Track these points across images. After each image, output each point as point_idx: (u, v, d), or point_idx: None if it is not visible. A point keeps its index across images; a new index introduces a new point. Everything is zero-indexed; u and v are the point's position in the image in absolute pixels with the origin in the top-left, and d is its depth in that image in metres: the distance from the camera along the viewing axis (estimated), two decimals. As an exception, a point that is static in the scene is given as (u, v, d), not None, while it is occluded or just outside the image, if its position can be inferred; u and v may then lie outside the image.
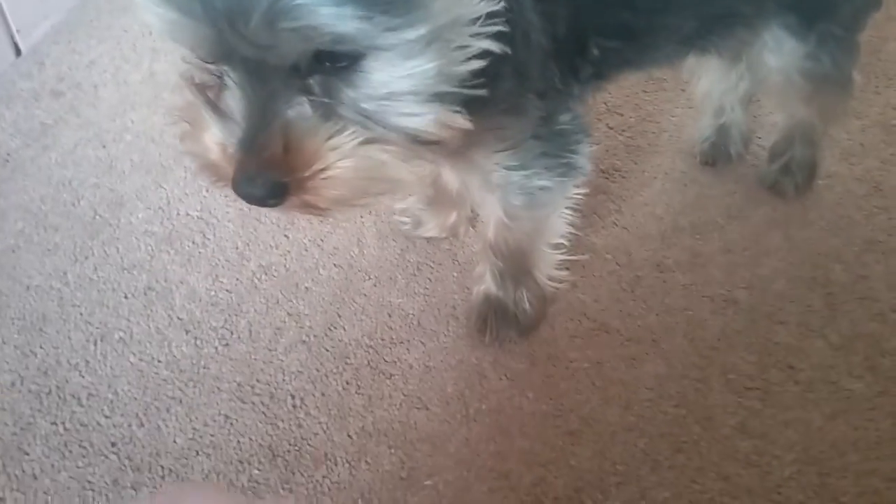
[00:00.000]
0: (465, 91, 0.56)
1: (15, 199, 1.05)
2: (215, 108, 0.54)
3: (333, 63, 0.51)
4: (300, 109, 0.53)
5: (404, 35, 0.50)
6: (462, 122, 0.57)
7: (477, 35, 0.55)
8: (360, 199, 0.58)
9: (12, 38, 1.24)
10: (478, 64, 0.55)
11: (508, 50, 0.57)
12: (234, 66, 0.52)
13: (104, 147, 1.11)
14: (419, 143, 0.56)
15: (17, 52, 1.25)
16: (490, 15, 0.54)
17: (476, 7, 0.54)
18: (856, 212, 1.01)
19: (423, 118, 0.55)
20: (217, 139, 0.55)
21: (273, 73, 0.51)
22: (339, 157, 0.53)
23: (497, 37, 0.56)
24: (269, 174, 0.53)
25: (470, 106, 0.58)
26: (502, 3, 0.55)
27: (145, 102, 1.16)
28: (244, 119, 0.53)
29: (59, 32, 1.27)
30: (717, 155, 1.06)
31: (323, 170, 0.54)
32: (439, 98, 0.55)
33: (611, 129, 1.11)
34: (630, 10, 0.70)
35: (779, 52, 0.83)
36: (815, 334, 0.89)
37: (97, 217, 1.03)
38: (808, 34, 0.81)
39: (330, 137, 0.53)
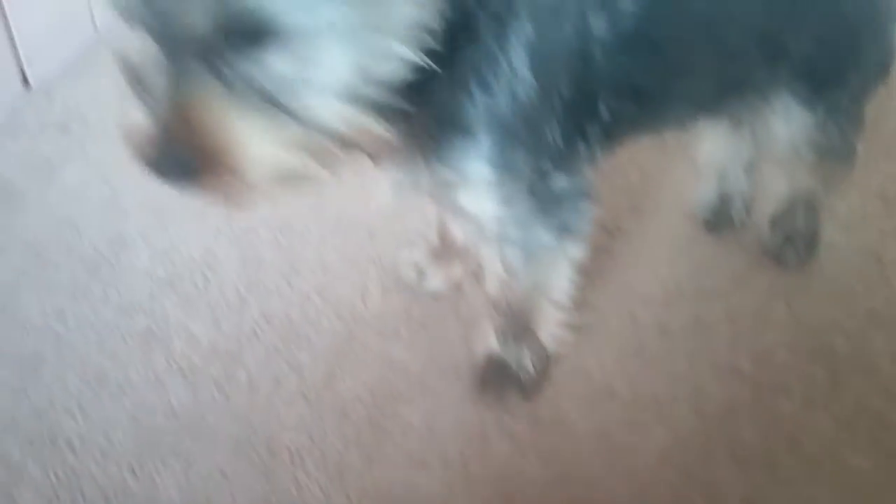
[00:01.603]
0: (393, 102, 0.56)
1: (16, 233, 1.04)
2: (141, 84, 0.54)
3: (243, 41, 0.51)
4: (212, 89, 0.52)
5: (319, 16, 0.50)
6: (382, 131, 0.56)
7: (406, 42, 0.54)
8: (269, 184, 0.56)
9: (22, 70, 1.24)
10: (406, 74, 0.55)
11: (489, 98, 0.58)
12: (154, 40, 0.52)
13: (108, 185, 1.10)
14: (332, 139, 0.55)
15: (27, 84, 1.25)
16: (428, 30, 0.54)
17: (408, 11, 0.53)
18: (857, 283, 1.01)
19: (333, 114, 0.54)
20: (138, 117, 0.54)
21: (184, 49, 0.51)
22: (246, 137, 0.53)
23: (480, 83, 0.57)
24: (177, 151, 0.53)
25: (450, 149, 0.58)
26: (440, 22, 0.55)
27: (152, 141, 1.15)
28: (159, 96, 0.52)
29: (69, 67, 1.27)
30: (720, 220, 1.06)
31: (229, 148, 0.53)
32: (357, 99, 0.54)
33: (614, 189, 1.12)
34: (642, 73, 0.70)
35: (787, 120, 0.84)
36: (820, 408, 0.89)
37: (99, 256, 1.02)
38: (817, 104, 0.82)
39: (238, 118, 0.52)
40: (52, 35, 1.27)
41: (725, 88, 0.78)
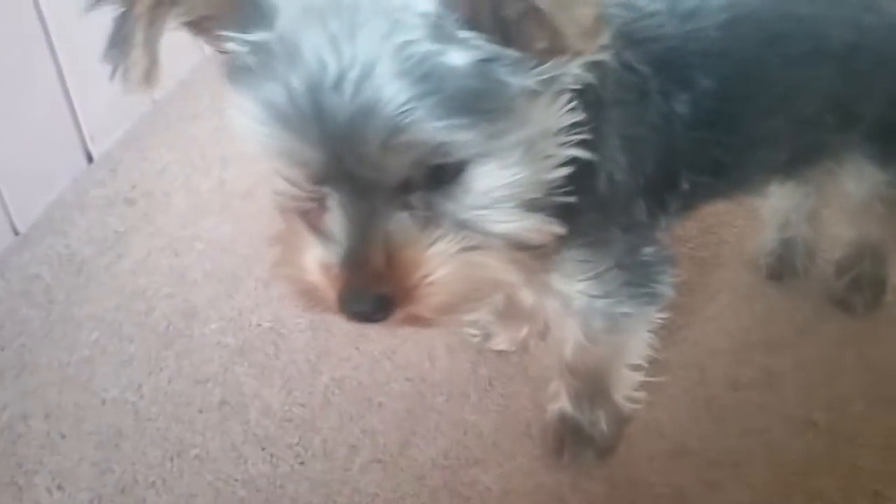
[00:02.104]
0: (554, 198, 0.58)
1: (89, 308, 1.07)
2: (316, 229, 0.55)
3: (437, 177, 0.53)
4: (401, 223, 0.54)
5: (505, 141, 0.52)
6: (556, 228, 0.58)
7: (564, 144, 0.57)
8: (463, 305, 0.59)
9: (85, 145, 1.29)
10: (564, 171, 0.57)
11: (595, 157, 0.59)
12: (338, 186, 0.53)
13: (176, 256, 1.13)
14: (516, 247, 0.57)
15: (90, 159, 1.29)
16: (573, 125, 0.57)
17: (563, 117, 0.56)
18: (927, 327, 1.01)
19: (518, 224, 0.56)
20: (318, 260, 0.56)
21: (375, 191, 0.53)
22: (441, 263, 0.54)
23: (582, 163, 0.58)
24: (374, 288, 0.54)
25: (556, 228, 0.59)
26: (584, 115, 0.56)
27: (216, 211, 1.19)
28: (347, 237, 0.54)
29: (130, 140, 1.31)
30: (784, 269, 1.06)
31: (426, 277, 0.54)
32: (531, 205, 0.56)
33: (673, 240, 1.12)
34: (722, 147, 0.71)
35: (859, 179, 0.85)
36: (900, 458, 0.88)
37: (171, 327, 1.04)
38: (888, 162, 0.83)
39: (431, 245, 0.54)
40: (112, 110, 1.31)
41: (800, 155, 0.79)
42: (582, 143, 0.57)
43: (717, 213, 1.15)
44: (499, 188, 0.54)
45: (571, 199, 0.58)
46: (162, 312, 1.06)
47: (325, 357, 1.00)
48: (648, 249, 0.74)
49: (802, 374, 0.96)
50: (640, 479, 0.87)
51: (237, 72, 0.52)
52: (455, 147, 0.50)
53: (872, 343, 0.99)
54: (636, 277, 0.75)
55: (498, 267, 0.57)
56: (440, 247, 0.54)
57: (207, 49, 0.57)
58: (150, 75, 0.52)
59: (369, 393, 0.96)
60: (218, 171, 1.25)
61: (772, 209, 1.07)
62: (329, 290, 0.56)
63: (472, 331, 1.01)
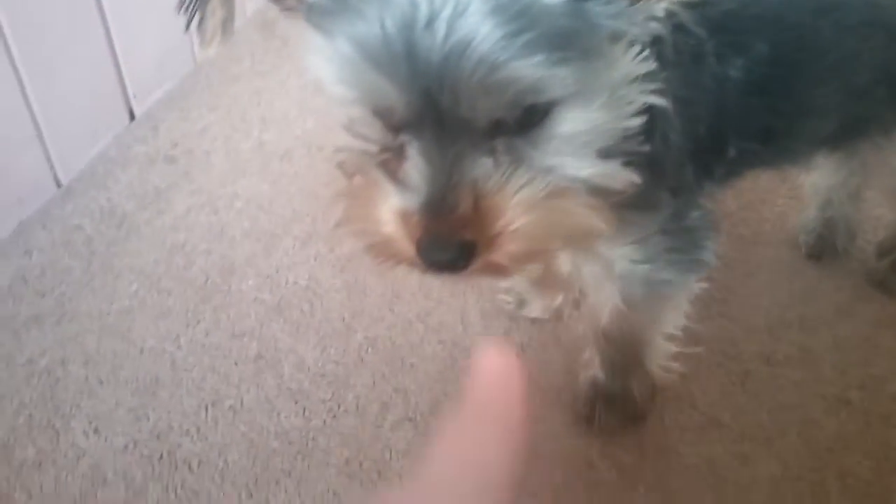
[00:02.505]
0: (627, 147, 0.57)
1: (129, 260, 1.09)
2: (394, 178, 0.54)
3: (524, 121, 0.52)
4: (487, 169, 0.52)
5: (593, 83, 0.52)
6: (634, 176, 0.57)
7: (642, 91, 0.56)
8: (544, 252, 0.58)
9: (128, 102, 1.30)
10: (639, 120, 0.56)
11: (669, 106, 0.58)
12: (420, 132, 0.52)
13: (216, 213, 1.14)
14: (596, 195, 0.56)
15: (132, 116, 1.31)
16: (648, 75, 0.56)
17: (642, 65, 0.55)
18: (966, 312, 0.99)
19: (600, 170, 0.55)
20: (396, 210, 0.54)
21: (460, 137, 0.51)
22: (528, 209, 0.53)
23: (641, 129, 0.57)
24: (459, 235, 0.52)
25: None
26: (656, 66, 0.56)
27: (255, 171, 1.20)
28: (429, 184, 0.52)
29: (172, 99, 1.32)
30: (824, 248, 1.05)
31: (511, 224, 0.53)
32: (609, 153, 0.56)
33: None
34: (772, 114, 0.71)
35: None
36: (935, 441, 0.87)
37: (209, 282, 1.06)
38: None
39: (518, 192, 0.53)
40: (156, 69, 1.33)
41: (848, 126, 0.78)
42: (656, 93, 0.57)
43: (758, 190, 1.14)
44: (583, 133, 0.53)
45: (646, 147, 0.57)
46: (200, 267, 1.08)
47: (360, 317, 1.01)
48: (694, 214, 0.73)
49: (838, 353, 0.95)
50: (671, 448, 0.87)
51: (320, 15, 0.51)
52: (550, 84, 0.49)
53: (912, 325, 0.97)
54: (680, 243, 0.74)
55: (582, 213, 0.55)
56: (526, 193, 0.53)
57: (249, 10, 0.57)
58: (225, 26, 0.52)
59: (402, 353, 0.97)
60: (258, 132, 1.26)
61: (814, 188, 1.06)
62: (406, 241, 0.54)
63: (507, 297, 1.01)
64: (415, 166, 0.53)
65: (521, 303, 1.00)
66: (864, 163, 0.97)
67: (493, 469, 0.31)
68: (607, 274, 0.77)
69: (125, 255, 1.10)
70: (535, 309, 1.00)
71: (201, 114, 1.30)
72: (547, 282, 0.98)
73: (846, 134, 0.80)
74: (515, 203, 0.53)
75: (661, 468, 0.86)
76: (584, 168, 0.54)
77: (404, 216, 0.54)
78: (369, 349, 0.98)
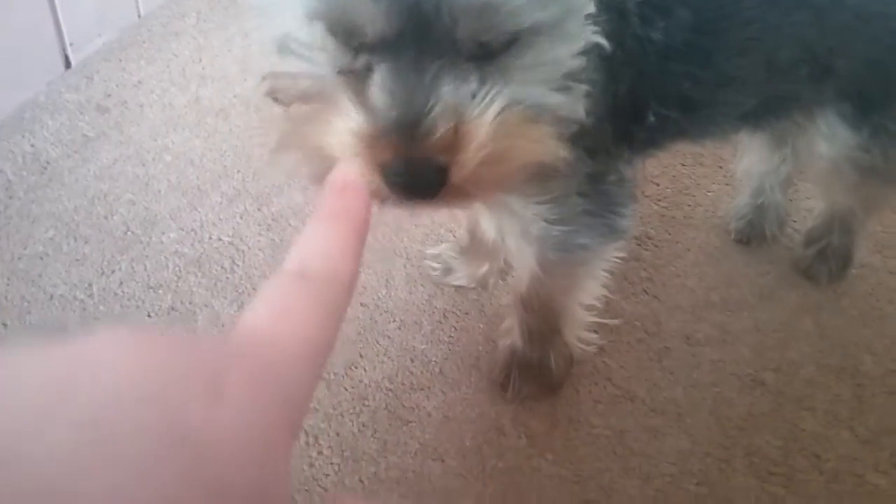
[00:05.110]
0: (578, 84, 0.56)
1: (49, 207, 1.06)
2: (359, 97, 0.50)
3: (494, 50, 0.51)
4: (465, 93, 0.50)
5: (557, 10, 0.51)
6: (583, 111, 0.57)
7: (588, 28, 0.55)
8: (511, 181, 0.56)
9: (64, 50, 1.27)
10: (584, 60, 0.56)
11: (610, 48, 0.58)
12: (396, 50, 0.49)
13: (143, 165, 1.11)
14: (560, 125, 0.55)
15: (68, 64, 1.27)
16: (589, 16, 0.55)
17: (588, 3, 0.55)
18: (888, 304, 1.00)
19: (562, 99, 0.55)
20: (358, 132, 0.50)
21: (437, 59, 0.49)
22: (503, 135, 0.51)
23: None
24: (436, 159, 0.50)
25: None
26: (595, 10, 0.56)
27: (188, 125, 1.17)
28: (402, 106, 0.49)
29: (110, 50, 1.29)
30: (753, 234, 1.05)
31: (486, 148, 0.51)
32: (564, 85, 0.55)
33: (646, 197, 1.11)
34: (692, 81, 0.70)
35: (831, 139, 0.83)
36: (843, 425, 0.87)
37: (128, 233, 1.03)
38: (861, 125, 0.82)
39: (494, 117, 0.51)
40: (96, 19, 1.29)
41: (771, 103, 0.78)
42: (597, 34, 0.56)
43: (694, 175, 1.14)
44: (550, 61, 0.53)
45: (596, 76, 0.57)
46: (121, 218, 1.05)
47: (281, 275, 0.99)
48: (611, 178, 0.72)
49: (758, 336, 0.95)
50: (582, 419, 0.86)
51: None
52: (531, 9, 0.49)
53: (831, 313, 0.98)
54: (596, 207, 0.73)
55: (549, 142, 0.54)
56: (502, 118, 0.51)
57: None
58: None
59: (321, 314, 0.95)
60: (195, 88, 1.23)
61: (747, 174, 1.06)
62: (370, 165, 0.50)
63: (433, 264, 1.00)
64: (384, 88, 0.50)
65: (448, 270, 0.99)
66: (795, 150, 0.97)
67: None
68: (525, 237, 0.76)
69: (45, 201, 1.06)
70: (461, 277, 0.99)
71: (139, 66, 1.27)
72: (474, 250, 0.97)
73: (768, 111, 0.80)
74: (494, 128, 0.51)
75: (571, 437, 0.85)
76: (551, 97, 0.54)
77: (369, 139, 0.50)
78: (288, 307, 0.95)
